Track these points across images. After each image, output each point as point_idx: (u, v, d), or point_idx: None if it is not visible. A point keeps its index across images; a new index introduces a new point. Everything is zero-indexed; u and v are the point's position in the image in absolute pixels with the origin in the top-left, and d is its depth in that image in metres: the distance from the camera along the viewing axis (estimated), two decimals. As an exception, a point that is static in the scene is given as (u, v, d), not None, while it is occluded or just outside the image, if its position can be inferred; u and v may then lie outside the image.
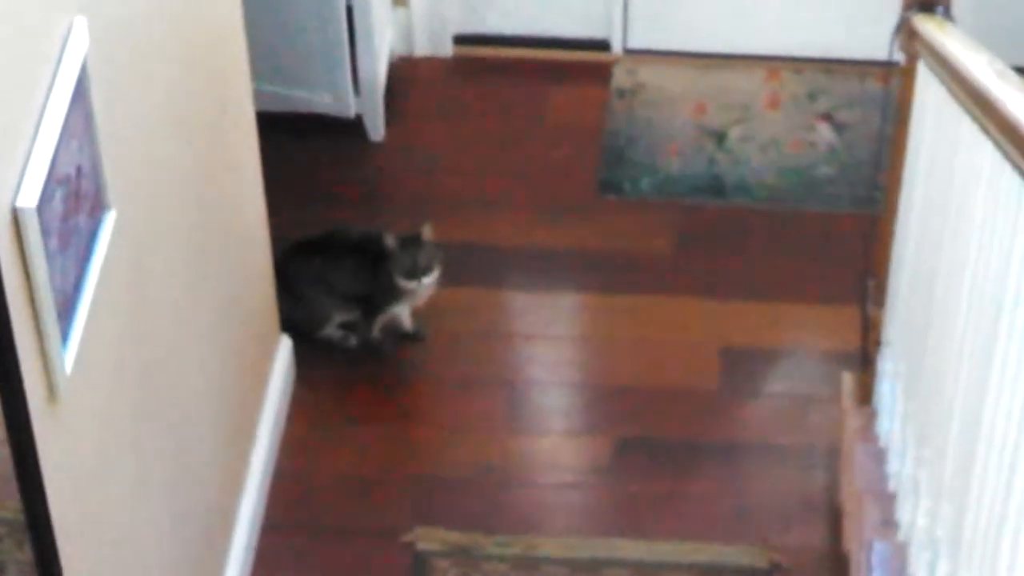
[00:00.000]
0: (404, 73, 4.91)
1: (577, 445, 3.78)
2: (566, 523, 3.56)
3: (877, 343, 3.39)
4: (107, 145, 2.29)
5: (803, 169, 4.55)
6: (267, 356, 3.68)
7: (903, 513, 3.05)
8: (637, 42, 4.97)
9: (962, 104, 2.61)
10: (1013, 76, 2.41)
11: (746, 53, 4.93)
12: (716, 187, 4.49)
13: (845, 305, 3.74)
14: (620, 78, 4.89)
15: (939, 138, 2.90)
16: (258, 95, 3.51)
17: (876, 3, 4.08)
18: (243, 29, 3.32)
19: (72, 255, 2.17)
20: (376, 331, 3.97)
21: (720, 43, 4.93)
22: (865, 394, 3.45)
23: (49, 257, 2.05)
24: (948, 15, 2.97)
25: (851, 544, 3.29)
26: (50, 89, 2.10)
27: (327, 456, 3.71)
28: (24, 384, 1.97)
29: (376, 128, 4.63)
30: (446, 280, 3.91)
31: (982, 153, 2.48)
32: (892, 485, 3.18)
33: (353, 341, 3.98)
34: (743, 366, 3.94)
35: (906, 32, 3.03)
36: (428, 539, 3.49)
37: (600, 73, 4.90)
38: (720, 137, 4.66)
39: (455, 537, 3.50)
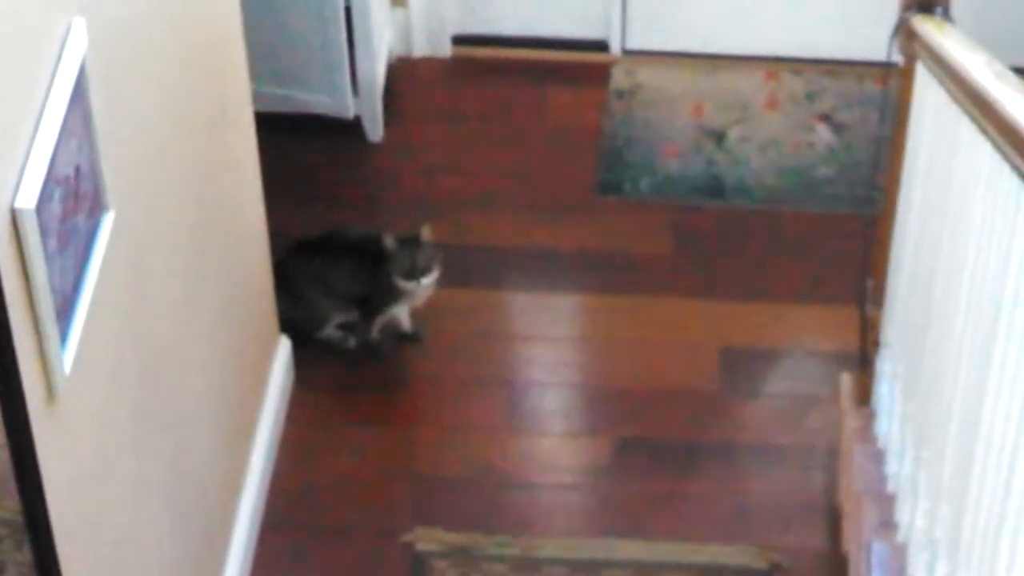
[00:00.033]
0: (403, 74, 4.91)
1: (576, 445, 3.78)
2: (566, 524, 3.56)
3: (876, 344, 3.39)
4: (106, 146, 2.29)
5: (802, 170, 4.55)
6: (266, 357, 3.68)
7: (902, 514, 3.05)
8: (636, 43, 4.98)
9: (961, 105, 2.61)
10: (1012, 77, 2.41)
11: (745, 54, 4.93)
12: (715, 188, 4.49)
13: (844, 306, 3.74)
14: (619, 79, 4.89)
15: (938, 139, 2.90)
16: (257, 96, 3.51)
17: (875, 4, 4.08)
18: (242, 30, 3.33)
19: (71, 256, 2.17)
20: (375, 332, 3.97)
21: (719, 44, 4.94)
22: (864, 395, 3.45)
23: (48, 258, 2.05)
24: (947, 16, 2.97)
25: (850, 545, 3.29)
26: (49, 90, 2.10)
27: (326, 456, 3.71)
28: (23, 384, 1.97)
29: (375, 129, 4.63)
30: (445, 281, 3.91)
31: (981, 154, 2.48)
32: (891, 486, 3.18)
33: (352, 342, 3.98)
34: (742, 367, 3.94)
35: (905, 33, 3.03)
36: (427, 539, 3.49)
37: (599, 74, 4.90)
38: (719, 138, 4.66)
39: (454, 537, 3.50)
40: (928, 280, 2.93)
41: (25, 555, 2.07)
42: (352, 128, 4.60)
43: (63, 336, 2.14)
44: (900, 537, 3.04)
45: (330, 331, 3.98)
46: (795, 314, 4.10)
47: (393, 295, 3.88)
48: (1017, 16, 4.74)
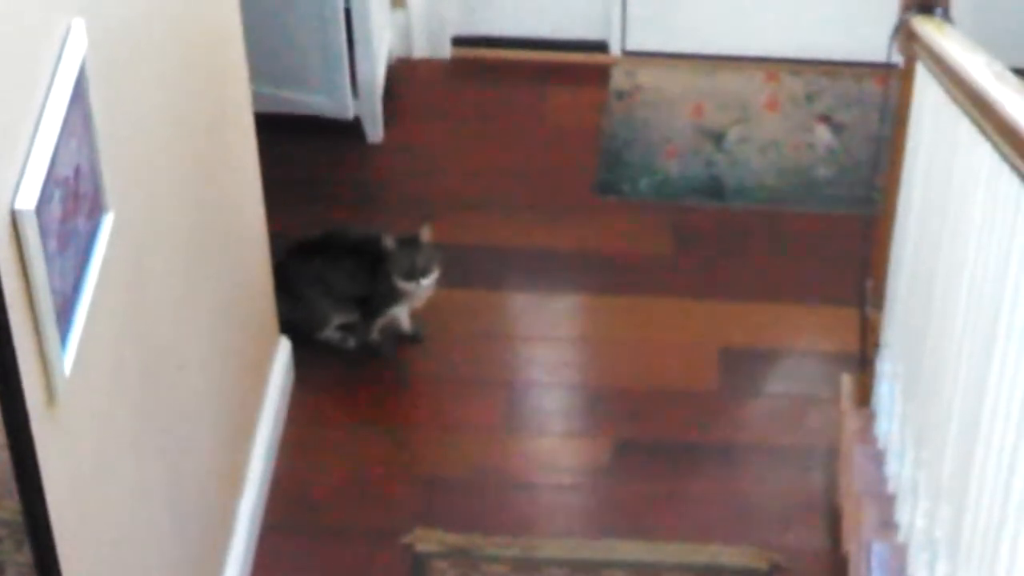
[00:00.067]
0: (403, 75, 4.91)
1: (576, 446, 3.78)
2: (565, 524, 3.56)
3: (876, 344, 3.39)
4: (106, 147, 2.29)
5: (802, 170, 4.55)
6: (266, 358, 3.68)
7: (902, 514, 3.05)
8: (635, 44, 4.98)
9: (960, 106, 2.61)
10: (1011, 78, 2.41)
11: (745, 55, 4.93)
12: (715, 188, 4.49)
13: (844, 306, 3.74)
14: (618, 79, 4.89)
15: (937, 139, 2.90)
16: (257, 97, 3.51)
17: (875, 5, 4.08)
18: (241, 31, 3.33)
19: (71, 257, 2.17)
20: (375, 332, 3.97)
21: (719, 45, 4.94)
22: (864, 395, 3.45)
23: (48, 259, 2.05)
24: (947, 17, 2.97)
25: (850, 545, 3.29)
26: (49, 90, 2.10)
27: (326, 457, 3.71)
28: (23, 386, 1.97)
29: (375, 130, 4.63)
30: (445, 281, 3.91)
31: (980, 154, 2.48)
32: (891, 486, 3.18)
33: (352, 342, 3.98)
34: (742, 367, 3.94)
35: (905, 34, 3.03)
36: (427, 540, 3.49)
37: (598, 74, 4.90)
38: (719, 138, 4.66)
39: (454, 538, 3.49)
40: (928, 281, 2.93)
41: (25, 556, 2.07)
42: (352, 129, 4.60)
43: (63, 337, 2.14)
44: (900, 537, 3.04)
45: (330, 332, 3.98)
46: (795, 314, 4.10)
47: (393, 296, 3.88)
48: (1017, 17, 4.74)
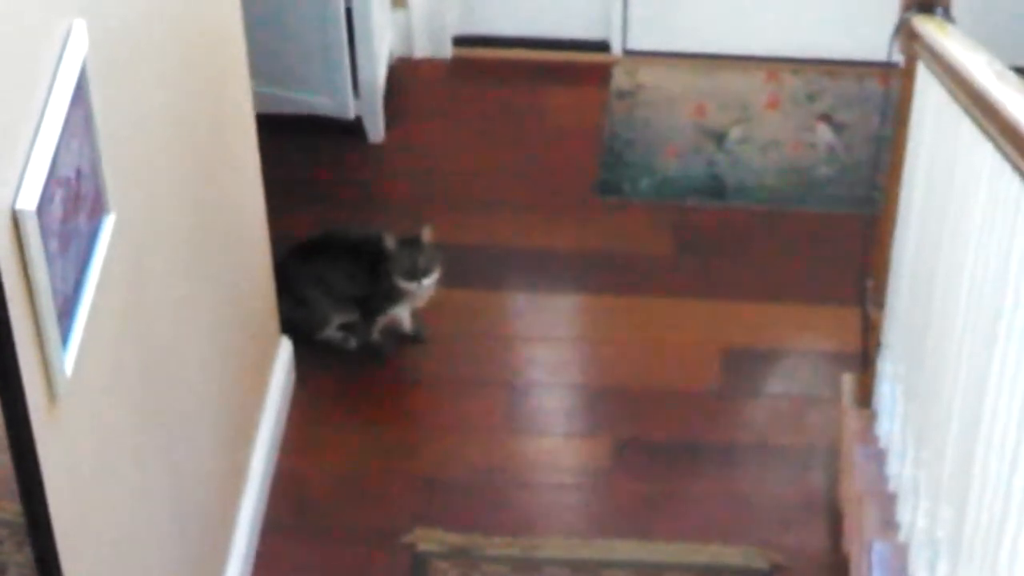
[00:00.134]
0: (403, 75, 4.91)
1: (577, 446, 3.78)
2: (566, 524, 3.56)
3: (877, 344, 3.39)
4: (107, 147, 2.29)
5: (802, 170, 4.55)
6: (267, 358, 3.68)
7: (903, 514, 3.05)
8: (636, 43, 4.98)
9: (962, 105, 2.61)
10: (1013, 77, 2.41)
11: (745, 54, 4.93)
12: (715, 188, 4.49)
13: (845, 306, 3.74)
14: (619, 79, 4.89)
15: (938, 139, 2.90)
16: (257, 97, 3.51)
17: (876, 4, 4.08)
18: (242, 31, 3.33)
19: (72, 257, 2.17)
20: (376, 332, 3.97)
21: (719, 44, 4.94)
22: (865, 395, 3.45)
23: (49, 259, 2.05)
24: (947, 16, 2.97)
25: (851, 545, 3.29)
26: (50, 91, 2.10)
27: (327, 457, 3.71)
28: (24, 386, 1.97)
29: (375, 130, 4.63)
30: (446, 281, 3.91)
31: (982, 154, 2.48)
32: (892, 486, 3.18)
33: (353, 343, 3.98)
34: (743, 367, 3.94)
35: (905, 33, 3.03)
36: (428, 540, 3.49)
37: (599, 74, 4.90)
38: (719, 138, 4.66)
39: (455, 538, 3.50)
40: (929, 280, 2.93)
41: (26, 556, 2.07)
42: (353, 129, 4.60)
43: (64, 338, 2.14)
44: (901, 537, 3.04)
45: (331, 332, 3.98)
46: (796, 314, 4.10)
47: (394, 296, 3.88)
48: (1017, 16, 4.74)
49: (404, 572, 3.43)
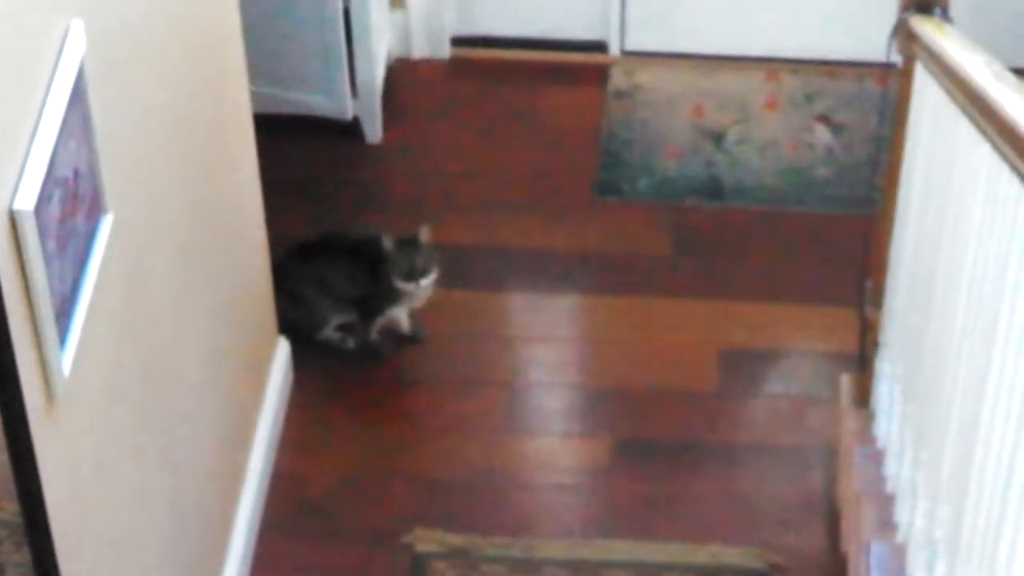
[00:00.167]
0: (401, 75, 4.91)
1: (576, 446, 3.77)
2: (565, 525, 3.56)
3: (875, 344, 3.39)
4: (105, 147, 2.29)
5: (801, 170, 4.55)
6: (265, 358, 3.68)
7: (901, 514, 3.05)
8: (634, 44, 4.97)
9: (960, 105, 2.61)
10: (1011, 77, 2.41)
11: (744, 55, 4.93)
12: (714, 188, 4.49)
13: (843, 306, 3.74)
14: (618, 79, 4.89)
15: (937, 139, 2.90)
16: (255, 97, 3.51)
17: (874, 4, 4.08)
18: (240, 31, 3.33)
19: (70, 257, 2.17)
20: (374, 333, 3.97)
21: (718, 45, 4.94)
22: (863, 395, 3.45)
23: (47, 259, 2.05)
24: (946, 16, 2.97)
25: (849, 545, 3.29)
26: (48, 91, 2.10)
27: (325, 457, 3.71)
28: (22, 386, 1.97)
29: (374, 130, 4.63)
30: (444, 282, 3.91)
31: (980, 154, 2.48)
32: (890, 486, 3.18)
33: (351, 343, 3.98)
34: (741, 367, 3.94)
35: (904, 33, 3.03)
36: (427, 541, 3.49)
37: (598, 75, 4.90)
38: (718, 138, 4.66)
39: (454, 539, 3.49)
40: (927, 281, 2.93)
41: (24, 556, 2.07)
42: (351, 129, 4.60)
43: (62, 338, 2.14)
44: (899, 537, 3.04)
45: (329, 332, 3.98)
46: (794, 315, 4.10)
47: (392, 296, 3.88)
48: (1016, 16, 4.74)
49: (403, 572, 3.43)
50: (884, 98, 3.34)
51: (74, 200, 2.17)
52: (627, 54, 4.97)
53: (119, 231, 2.38)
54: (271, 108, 4.31)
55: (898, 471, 3.12)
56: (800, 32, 4.90)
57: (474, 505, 3.58)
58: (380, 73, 4.62)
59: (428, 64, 4.98)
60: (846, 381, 3.57)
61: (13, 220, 1.97)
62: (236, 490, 3.39)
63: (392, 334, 4.00)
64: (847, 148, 4.61)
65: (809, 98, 4.80)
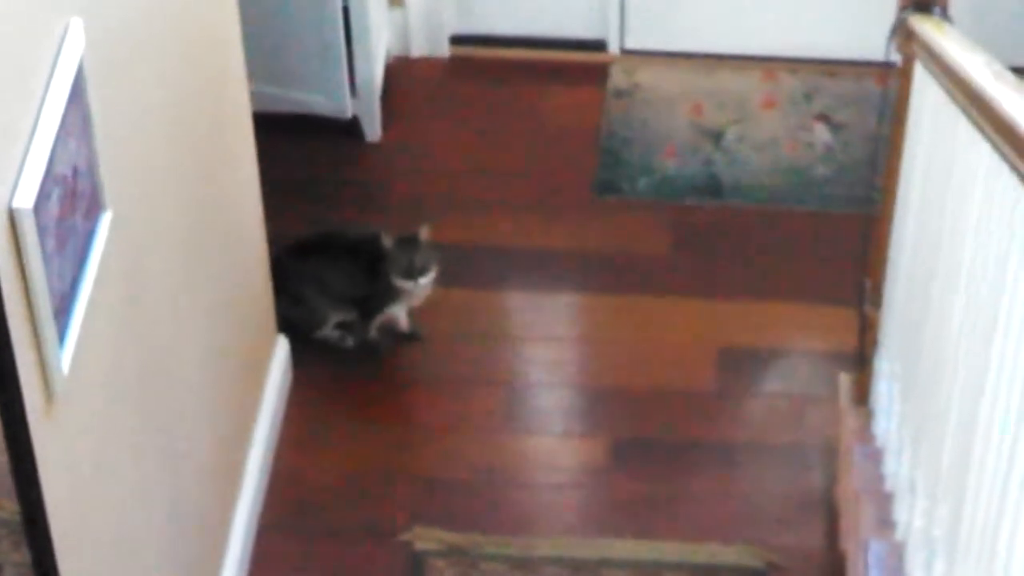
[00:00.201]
0: (401, 74, 4.91)
1: (574, 445, 3.77)
2: (564, 523, 3.56)
3: (874, 343, 3.39)
4: (104, 146, 2.29)
5: (800, 169, 4.55)
6: (264, 357, 3.68)
7: (900, 513, 3.05)
8: (634, 42, 4.98)
9: (959, 105, 2.61)
10: (1010, 77, 2.41)
11: (743, 54, 4.93)
12: (713, 187, 4.49)
13: (842, 305, 3.74)
14: (617, 78, 4.89)
15: (936, 138, 2.90)
16: (255, 96, 3.51)
17: (873, 4, 4.08)
18: (240, 30, 3.33)
19: (69, 255, 2.17)
20: (373, 331, 3.97)
21: (717, 43, 4.94)
22: (862, 394, 3.45)
23: (46, 258, 2.05)
24: (945, 15, 2.97)
25: (848, 544, 3.29)
26: (47, 90, 2.10)
27: (324, 456, 3.71)
28: (21, 385, 1.97)
29: (373, 129, 4.63)
30: (443, 280, 3.91)
31: (979, 154, 2.48)
32: (889, 485, 3.18)
33: (350, 341, 3.98)
34: (740, 366, 3.94)
35: (903, 33, 3.03)
36: (425, 539, 3.49)
37: (597, 73, 4.90)
38: (717, 137, 4.66)
39: (452, 537, 3.50)
40: (926, 279, 2.93)
41: (23, 555, 2.07)
42: (350, 128, 4.60)
43: (61, 336, 2.14)
44: (898, 536, 3.04)
45: (328, 331, 3.98)
46: (793, 314, 4.10)
47: (391, 295, 3.88)
48: (1015, 16, 4.74)
49: (402, 571, 3.43)
50: (883, 97, 3.34)
51: (73, 198, 2.17)
52: (626, 53, 4.98)
53: (118, 229, 2.38)
54: (270, 107, 4.30)
55: (897, 469, 3.12)
56: (799, 31, 4.90)
57: (473, 504, 3.59)
58: (379, 72, 4.62)
59: (427, 63, 4.98)
60: (845, 380, 3.57)
61: (12, 218, 1.97)
62: (235, 488, 3.39)
63: (391, 333, 4.00)
64: (846, 147, 4.61)
65: (808, 97, 4.80)
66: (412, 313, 3.98)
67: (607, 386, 3.91)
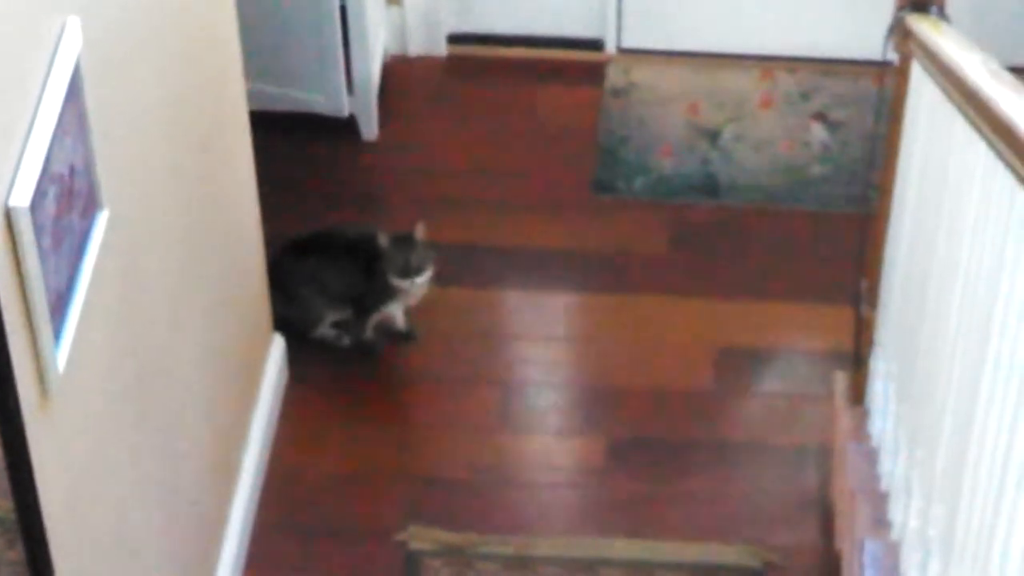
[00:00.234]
0: (398, 72, 4.91)
1: (571, 445, 3.77)
2: (560, 523, 3.56)
3: (870, 343, 3.39)
4: (100, 144, 2.29)
5: (796, 168, 4.55)
6: (260, 355, 3.68)
7: (895, 513, 3.05)
8: (631, 41, 4.98)
9: (956, 104, 2.61)
10: (1007, 76, 2.41)
11: (740, 53, 4.93)
12: (710, 186, 4.49)
13: (838, 305, 3.74)
14: (614, 77, 4.89)
15: (933, 138, 2.90)
16: (252, 94, 3.51)
17: (870, 3, 4.08)
18: (237, 28, 3.32)
19: (65, 254, 2.17)
20: (369, 330, 3.97)
21: (714, 42, 4.94)
22: (858, 394, 3.45)
23: (42, 256, 2.05)
24: (942, 15, 2.97)
25: (843, 543, 3.29)
26: (43, 88, 2.10)
27: (320, 455, 3.71)
28: (16, 383, 1.97)
29: (370, 127, 4.63)
30: (439, 280, 3.91)
31: (975, 153, 2.48)
32: (884, 485, 3.18)
33: (346, 340, 3.98)
34: (737, 366, 3.94)
35: (900, 32, 3.03)
36: (421, 539, 3.49)
37: (594, 72, 4.90)
38: (714, 136, 4.66)
39: (448, 537, 3.49)
40: (922, 279, 2.93)
41: (17, 554, 2.07)
42: (347, 127, 4.60)
43: (57, 334, 2.14)
44: (893, 535, 3.04)
45: (324, 330, 3.98)
46: (790, 313, 4.10)
47: (387, 294, 3.87)
48: (1012, 15, 4.74)
49: (397, 570, 3.43)
50: (880, 96, 3.34)
51: (70, 197, 2.17)
52: (623, 52, 4.98)
53: (115, 228, 2.38)
54: (267, 105, 4.30)
55: (892, 469, 3.13)
56: (796, 30, 4.90)
57: (469, 503, 3.58)
58: (376, 70, 4.62)
59: (424, 61, 4.98)
60: (841, 379, 3.57)
61: (9, 216, 1.97)
62: (231, 487, 3.39)
63: (387, 332, 4.00)
64: (843, 146, 4.61)
65: (805, 96, 4.80)
66: (408, 312, 3.98)
67: (604, 385, 3.91)
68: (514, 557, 3.45)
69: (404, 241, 3.83)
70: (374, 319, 3.95)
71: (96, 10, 2.31)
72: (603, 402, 3.86)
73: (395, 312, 3.95)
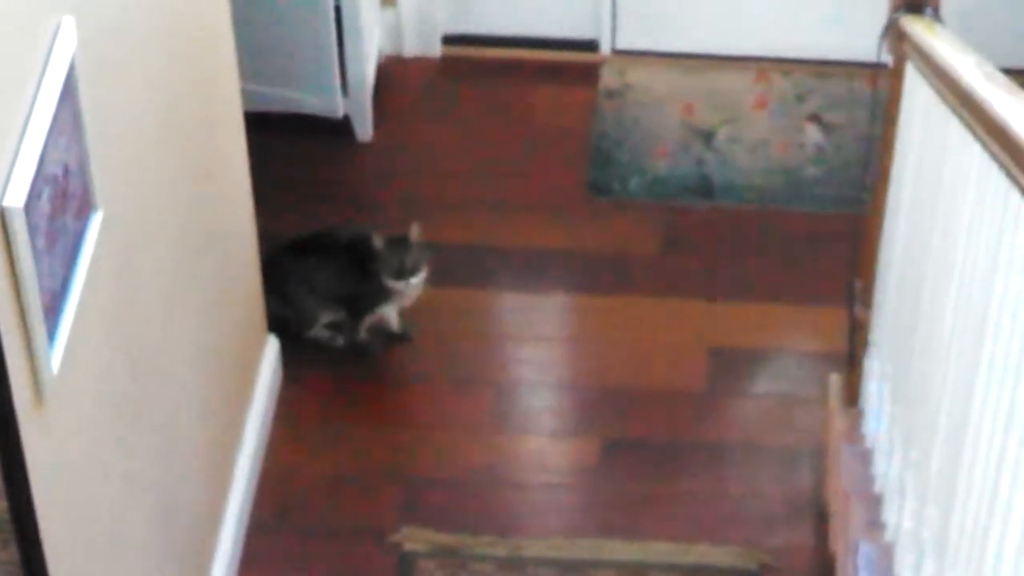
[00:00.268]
0: (392, 73, 4.91)
1: (565, 446, 3.77)
2: (554, 524, 3.56)
3: (864, 344, 3.39)
4: (95, 144, 2.29)
5: (791, 170, 4.55)
6: (254, 356, 3.68)
7: (889, 514, 3.05)
8: (625, 43, 4.98)
9: (950, 106, 2.61)
10: (1001, 78, 2.41)
11: (735, 54, 4.93)
12: (704, 188, 4.49)
13: (833, 306, 3.74)
14: (608, 79, 4.89)
15: (927, 139, 2.90)
16: (246, 95, 3.51)
17: (865, 5, 4.08)
18: (231, 28, 3.32)
19: (59, 254, 2.16)
20: (363, 331, 3.97)
21: (709, 44, 4.94)
22: (852, 395, 3.45)
23: (36, 256, 2.05)
24: (936, 16, 2.97)
25: (837, 545, 3.30)
26: (38, 88, 2.10)
27: (314, 456, 3.70)
28: (10, 383, 1.96)
29: (364, 128, 4.62)
30: (434, 280, 3.91)
31: (970, 155, 2.49)
32: (878, 486, 3.18)
33: (340, 341, 3.98)
34: (731, 367, 3.94)
35: (894, 33, 3.03)
36: (415, 540, 3.49)
37: (589, 74, 4.90)
38: (708, 138, 4.66)
39: (442, 538, 3.49)
40: (917, 280, 2.93)
41: (11, 554, 2.07)
42: (341, 128, 4.60)
43: (51, 335, 2.13)
44: (887, 537, 3.04)
45: (318, 330, 3.98)
46: (784, 314, 4.10)
47: (382, 295, 3.87)
48: (1007, 17, 4.74)
49: (391, 571, 3.43)
50: (874, 98, 3.34)
51: (64, 197, 2.17)
52: (618, 53, 4.98)
53: (109, 228, 2.38)
54: (262, 106, 4.30)
55: (886, 471, 3.13)
56: (791, 32, 4.90)
57: (463, 504, 3.58)
58: (371, 71, 4.62)
59: (419, 62, 4.97)
60: (835, 380, 3.57)
61: (2, 217, 1.96)
62: (224, 487, 3.39)
63: (381, 332, 4.00)
64: (837, 148, 4.62)
65: (800, 98, 4.80)
66: (403, 313, 3.98)
67: (597, 386, 3.91)
68: (508, 558, 3.45)
69: (398, 242, 3.83)
70: (368, 320, 3.95)
71: (91, 10, 2.31)
72: (597, 403, 3.86)
73: (389, 313, 3.95)
